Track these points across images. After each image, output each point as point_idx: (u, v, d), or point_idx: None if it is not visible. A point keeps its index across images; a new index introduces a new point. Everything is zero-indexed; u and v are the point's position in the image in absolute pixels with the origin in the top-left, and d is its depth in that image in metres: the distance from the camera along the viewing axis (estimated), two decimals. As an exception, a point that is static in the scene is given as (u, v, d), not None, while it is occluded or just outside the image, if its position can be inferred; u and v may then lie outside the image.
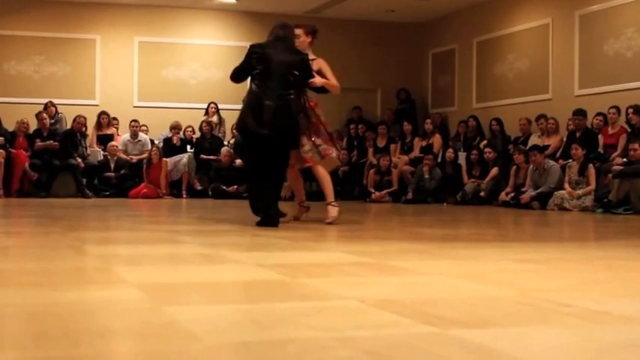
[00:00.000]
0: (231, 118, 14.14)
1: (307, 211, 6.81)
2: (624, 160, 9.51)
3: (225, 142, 13.62)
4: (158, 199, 12.06)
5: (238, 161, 12.91)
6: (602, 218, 8.38)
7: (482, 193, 11.31)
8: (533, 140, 11.51)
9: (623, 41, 11.01)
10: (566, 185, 9.97)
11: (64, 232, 5.15)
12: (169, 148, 13.20)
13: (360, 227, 6.57)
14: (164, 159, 12.76)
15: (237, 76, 6.69)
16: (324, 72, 6.51)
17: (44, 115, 12.68)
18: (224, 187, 12.62)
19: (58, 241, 4.49)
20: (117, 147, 12.99)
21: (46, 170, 12.30)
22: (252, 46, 6.51)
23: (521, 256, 3.98)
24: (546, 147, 11.02)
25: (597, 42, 11.43)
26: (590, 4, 11.63)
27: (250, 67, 6.40)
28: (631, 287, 2.95)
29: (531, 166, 10.51)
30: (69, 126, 13.09)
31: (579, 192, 9.75)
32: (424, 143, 13.17)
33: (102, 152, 13.14)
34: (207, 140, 13.41)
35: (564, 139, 11.10)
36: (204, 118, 13.80)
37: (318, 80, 6.32)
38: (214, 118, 13.87)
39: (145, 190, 12.34)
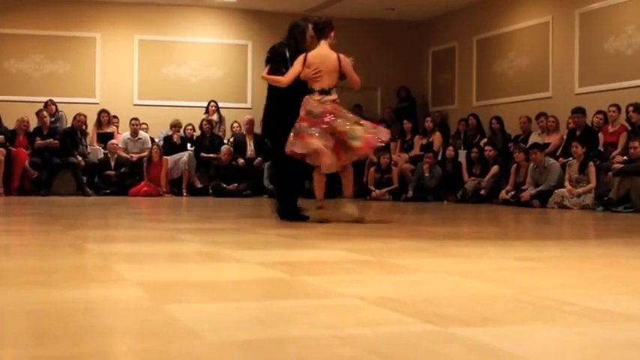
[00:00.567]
0: (231, 117, 14.16)
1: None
2: (624, 158, 9.50)
3: (225, 141, 13.62)
4: (158, 198, 12.06)
5: (240, 160, 12.91)
6: (602, 216, 8.38)
7: (482, 192, 11.30)
8: (534, 138, 11.50)
9: (624, 39, 11.00)
10: (567, 183, 9.97)
11: (64, 231, 5.15)
12: (170, 146, 13.20)
13: (361, 225, 6.56)
14: (164, 157, 12.76)
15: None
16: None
17: (44, 113, 12.67)
18: (224, 185, 12.61)
19: (59, 240, 4.50)
20: (117, 145, 12.98)
21: (46, 168, 12.30)
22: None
23: (522, 254, 3.98)
24: (546, 145, 11.01)
25: (597, 40, 11.42)
26: (590, 1, 11.62)
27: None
28: (631, 285, 2.95)
29: (532, 164, 10.50)
30: (69, 124, 13.09)
31: (579, 190, 9.75)
32: (424, 141, 13.17)
33: (102, 150, 13.14)
34: (208, 138, 13.41)
35: (564, 137, 11.09)
36: (204, 116, 13.80)
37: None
38: (214, 117, 13.86)
39: (146, 188, 12.34)
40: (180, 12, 14.63)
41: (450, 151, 12.38)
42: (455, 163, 12.23)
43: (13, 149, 12.17)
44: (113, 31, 14.34)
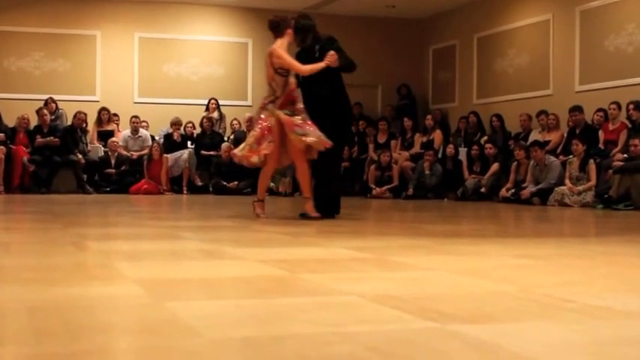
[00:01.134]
0: (231, 114, 14.16)
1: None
2: (625, 155, 9.50)
3: (226, 138, 13.62)
4: (159, 195, 12.06)
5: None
6: (602, 214, 8.38)
7: (482, 189, 11.31)
8: (534, 136, 11.50)
9: (624, 37, 11.00)
10: (567, 181, 9.97)
11: (64, 228, 5.15)
12: (170, 144, 13.20)
13: (361, 223, 6.56)
14: (165, 155, 12.76)
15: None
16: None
17: (45, 111, 12.67)
18: (224, 183, 12.62)
19: (59, 237, 4.50)
20: (117, 143, 12.98)
21: (46, 166, 12.30)
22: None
23: (522, 252, 3.98)
24: (547, 143, 11.02)
25: (598, 38, 11.42)
26: (590, -1, 11.63)
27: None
28: (631, 283, 2.96)
29: (532, 162, 10.50)
30: (69, 122, 13.09)
31: (580, 188, 9.75)
32: (425, 139, 13.17)
33: (102, 148, 13.14)
34: (208, 136, 13.41)
35: (565, 134, 11.09)
36: (204, 113, 13.81)
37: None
38: (215, 114, 13.87)
39: (146, 186, 12.35)
40: (181, 10, 14.63)
41: (450, 148, 12.38)
42: (455, 160, 12.23)
43: (13, 147, 12.18)
44: (113, 29, 14.33)
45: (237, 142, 13.29)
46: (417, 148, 13.07)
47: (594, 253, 4.15)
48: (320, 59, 6.43)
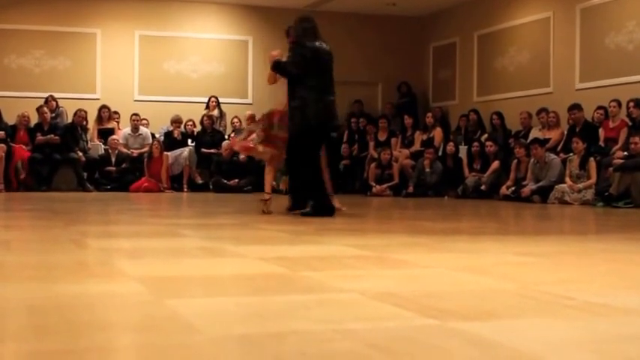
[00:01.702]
0: (231, 112, 14.15)
1: None
2: (625, 153, 9.50)
3: (226, 136, 13.62)
4: (159, 193, 12.07)
5: (241, 156, 12.91)
6: (602, 212, 8.38)
7: (482, 187, 11.31)
8: (534, 134, 11.50)
9: (625, 34, 10.99)
10: (567, 179, 9.97)
11: (65, 226, 5.16)
12: (170, 141, 13.20)
13: (361, 221, 6.57)
14: (165, 153, 12.76)
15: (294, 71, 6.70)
16: None
17: (45, 109, 12.67)
18: (225, 181, 12.62)
19: (59, 235, 4.50)
20: (118, 141, 12.98)
21: (47, 164, 12.30)
22: (300, 43, 6.72)
23: (522, 250, 3.98)
24: (547, 140, 11.02)
25: (598, 35, 11.41)
26: (591, -3, 11.62)
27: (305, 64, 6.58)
28: (631, 280, 2.96)
29: (532, 160, 10.50)
30: (70, 120, 13.09)
31: (580, 185, 9.75)
32: (425, 137, 13.16)
33: (103, 146, 13.14)
34: (208, 134, 13.41)
35: (565, 132, 11.09)
36: (204, 111, 13.80)
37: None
38: (215, 112, 13.86)
39: (146, 184, 12.35)
40: (181, 7, 14.63)
41: (450, 146, 12.37)
42: (455, 158, 12.23)
43: (15, 145, 12.17)
44: (114, 27, 14.33)
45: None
46: (417, 146, 13.06)
47: (594, 250, 4.15)
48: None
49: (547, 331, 1.90)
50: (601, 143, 10.38)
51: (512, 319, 2.09)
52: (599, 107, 10.71)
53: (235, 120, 13.84)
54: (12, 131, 12.43)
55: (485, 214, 7.84)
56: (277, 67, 6.71)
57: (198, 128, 13.60)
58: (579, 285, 2.77)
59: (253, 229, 5.25)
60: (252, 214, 6.41)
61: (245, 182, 12.64)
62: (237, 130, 13.36)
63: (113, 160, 12.79)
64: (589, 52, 11.58)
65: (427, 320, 2.01)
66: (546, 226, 6.59)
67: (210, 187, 12.79)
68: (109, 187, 12.43)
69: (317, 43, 6.69)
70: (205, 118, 13.49)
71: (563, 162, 10.26)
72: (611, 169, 9.43)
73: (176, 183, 12.92)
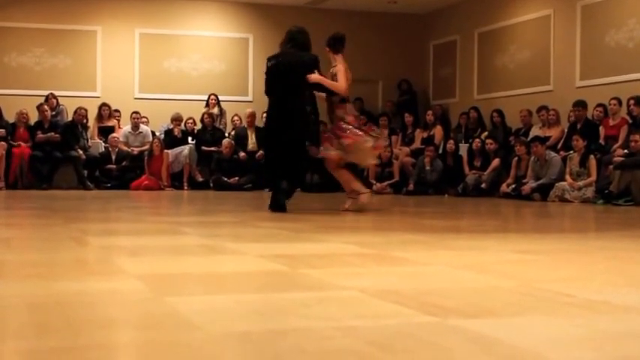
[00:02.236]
0: (232, 110, 14.15)
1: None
2: (625, 151, 9.50)
3: (227, 134, 13.62)
4: (159, 191, 12.07)
5: (241, 153, 12.92)
6: (602, 209, 8.38)
7: (483, 185, 11.30)
8: (535, 131, 11.50)
9: (625, 32, 10.98)
10: (567, 177, 9.97)
11: (65, 224, 5.16)
12: (170, 139, 13.20)
13: (361, 218, 6.57)
14: (165, 151, 12.76)
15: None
16: (336, 74, 6.99)
17: (45, 107, 12.67)
18: (225, 179, 12.61)
19: (60, 233, 4.50)
20: (118, 139, 12.98)
21: (47, 162, 12.30)
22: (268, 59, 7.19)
23: (522, 247, 3.99)
24: (547, 138, 11.01)
25: (599, 33, 11.41)
26: (591, -6, 11.61)
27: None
28: (631, 277, 2.96)
29: (532, 158, 10.50)
30: (70, 118, 13.09)
31: (580, 183, 9.75)
32: (425, 135, 13.16)
33: (103, 144, 13.14)
34: (209, 132, 13.41)
35: (565, 130, 11.09)
36: (205, 109, 13.80)
37: (312, 77, 6.83)
38: (215, 110, 13.86)
39: (147, 181, 12.35)
40: (181, 5, 14.62)
41: (450, 144, 12.37)
42: (456, 156, 12.23)
43: (22, 143, 12.14)
44: (114, 25, 14.33)
45: (238, 137, 13.31)
46: (417, 144, 13.06)
47: (594, 248, 4.15)
48: None
49: (547, 328, 1.90)
50: (601, 141, 10.38)
51: (513, 316, 2.09)
52: (599, 105, 10.72)
53: (236, 118, 13.84)
54: (12, 129, 12.43)
55: (485, 212, 7.84)
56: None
57: (199, 126, 13.59)
58: (579, 282, 2.77)
59: (253, 227, 5.25)
60: (253, 211, 6.41)
61: (245, 180, 12.63)
62: (237, 129, 13.35)
63: (113, 158, 12.79)
64: (589, 50, 11.57)
65: (427, 317, 2.01)
66: (546, 223, 6.59)
67: (211, 185, 12.79)
68: (109, 185, 12.44)
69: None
70: (206, 116, 13.49)
71: (564, 160, 10.26)
72: (611, 166, 9.43)
73: (176, 181, 12.92)
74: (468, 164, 11.85)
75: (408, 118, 13.58)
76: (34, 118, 12.69)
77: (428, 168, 12.04)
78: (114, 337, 1.82)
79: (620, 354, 1.67)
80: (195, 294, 2.45)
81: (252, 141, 13.32)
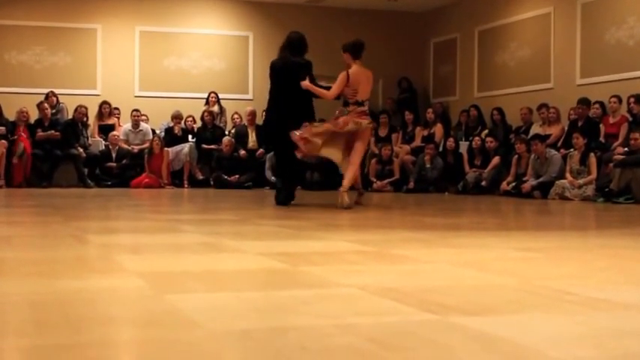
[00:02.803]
0: (231, 108, 14.15)
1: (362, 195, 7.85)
2: (625, 149, 9.50)
3: (227, 132, 13.62)
4: (160, 189, 12.06)
5: (242, 151, 12.93)
6: (603, 207, 8.38)
7: (483, 183, 11.30)
8: (535, 129, 11.50)
9: (625, 30, 10.98)
10: (568, 174, 9.97)
11: (65, 222, 5.16)
12: (171, 137, 13.20)
13: (362, 216, 6.57)
14: (165, 149, 12.76)
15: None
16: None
17: (45, 105, 12.67)
18: (225, 177, 12.62)
19: (60, 231, 4.50)
20: (118, 137, 12.98)
21: (47, 160, 12.30)
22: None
23: (523, 245, 3.99)
24: (548, 136, 11.01)
25: (599, 31, 11.40)
26: (592, -8, 11.60)
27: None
28: (631, 275, 2.96)
29: (533, 156, 10.50)
30: (70, 116, 13.09)
31: (580, 181, 9.75)
32: (425, 133, 13.16)
33: (103, 142, 13.14)
34: (209, 130, 13.41)
35: (566, 128, 11.09)
36: (205, 107, 13.79)
37: (303, 83, 7.25)
38: (215, 108, 13.85)
39: (147, 179, 12.35)
40: (182, 3, 14.61)
41: (451, 142, 12.37)
42: (456, 154, 12.23)
43: (19, 138, 12.15)
44: (114, 23, 14.32)
45: (238, 135, 13.31)
46: (417, 142, 13.06)
47: (594, 246, 4.15)
48: None
49: (548, 325, 1.90)
50: (601, 139, 10.38)
51: (513, 314, 2.09)
52: (595, 102, 10.73)
53: (236, 116, 13.84)
54: (12, 127, 12.42)
55: (485, 210, 7.85)
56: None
57: (199, 124, 13.59)
58: (580, 280, 2.77)
59: (254, 225, 5.25)
60: (253, 209, 6.41)
61: (246, 178, 12.64)
62: (237, 127, 13.35)
63: (114, 156, 12.79)
64: (590, 48, 11.57)
65: (427, 315, 2.01)
66: (547, 221, 6.59)
67: (211, 183, 12.79)
68: (109, 183, 12.44)
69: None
70: (206, 114, 13.49)
71: (564, 158, 10.26)
72: (611, 164, 9.43)
73: (177, 179, 12.92)
74: (469, 162, 11.85)
75: (409, 116, 13.58)
76: (33, 116, 12.69)
77: (428, 166, 12.04)
78: (114, 334, 1.83)
79: (620, 352, 1.67)
80: (195, 291, 2.45)
81: (252, 139, 13.32)
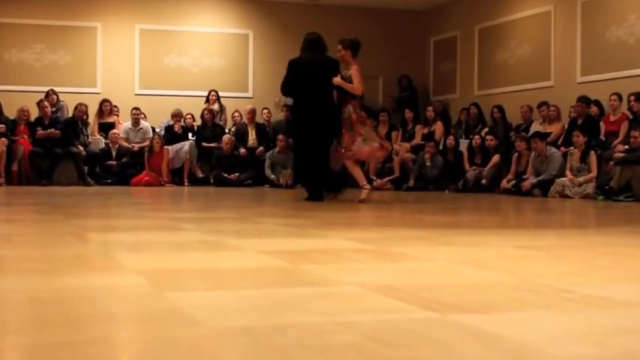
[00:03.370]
0: (232, 106, 14.15)
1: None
2: (626, 147, 9.50)
3: (227, 130, 13.62)
4: (160, 187, 12.07)
5: (242, 150, 12.93)
6: (603, 205, 8.38)
7: (483, 181, 11.31)
8: (535, 127, 11.50)
9: (626, 28, 10.98)
10: (568, 172, 9.97)
11: (65, 220, 5.16)
12: (171, 135, 13.20)
13: (362, 214, 6.57)
14: (165, 147, 12.76)
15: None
16: (352, 77, 7.71)
17: (45, 103, 12.67)
18: (225, 175, 12.62)
19: (60, 229, 4.50)
20: (118, 135, 12.98)
21: (47, 158, 12.31)
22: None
23: (523, 243, 3.98)
24: (548, 134, 11.01)
25: (599, 29, 11.40)
26: (592, -10, 11.60)
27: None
28: (632, 273, 2.96)
29: (533, 154, 10.50)
30: (70, 114, 13.09)
31: (581, 179, 9.75)
32: (426, 131, 13.16)
33: (103, 140, 13.14)
34: (209, 128, 13.41)
35: (566, 126, 11.09)
36: (205, 105, 13.79)
37: (336, 80, 7.58)
38: (215, 106, 13.86)
39: (147, 178, 12.35)
40: (182, 1, 14.61)
41: (451, 140, 12.37)
42: (456, 152, 12.23)
43: (25, 138, 12.16)
44: (114, 21, 14.32)
45: (238, 134, 13.31)
46: (417, 140, 13.06)
47: (595, 244, 4.15)
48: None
49: (547, 324, 1.90)
50: (602, 137, 10.38)
51: (513, 312, 2.09)
52: (595, 100, 10.73)
53: (236, 114, 13.84)
54: (12, 125, 12.43)
55: (485, 208, 7.84)
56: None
57: (199, 122, 13.59)
58: (580, 278, 2.77)
59: (254, 223, 5.25)
60: (253, 207, 6.41)
61: (246, 176, 12.65)
62: (237, 125, 13.35)
63: (114, 154, 12.80)
64: (590, 46, 11.56)
65: (427, 313, 2.01)
66: (547, 219, 6.59)
67: (211, 181, 12.80)
68: (109, 181, 12.44)
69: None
70: (206, 112, 13.49)
71: (564, 156, 10.26)
72: (611, 162, 9.43)
73: (177, 177, 12.93)
74: (469, 160, 11.85)
75: (409, 114, 13.58)
76: (34, 114, 12.69)
77: (428, 164, 12.04)
78: (114, 332, 1.82)
79: (620, 350, 1.67)
80: (195, 289, 2.45)
81: (252, 137, 13.32)
